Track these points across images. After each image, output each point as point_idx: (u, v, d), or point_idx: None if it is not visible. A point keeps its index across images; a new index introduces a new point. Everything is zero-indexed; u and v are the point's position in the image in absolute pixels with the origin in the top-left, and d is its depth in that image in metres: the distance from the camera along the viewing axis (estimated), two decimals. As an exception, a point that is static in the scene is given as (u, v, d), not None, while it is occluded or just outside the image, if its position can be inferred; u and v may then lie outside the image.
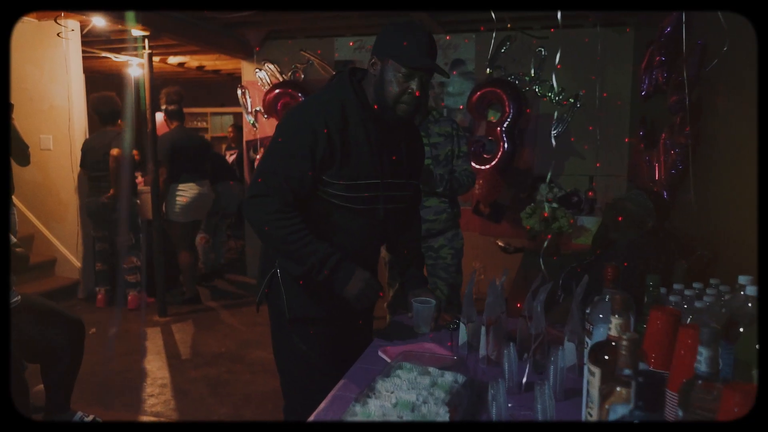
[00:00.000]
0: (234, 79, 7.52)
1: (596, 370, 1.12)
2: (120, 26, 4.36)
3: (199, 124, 9.25)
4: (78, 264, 5.08)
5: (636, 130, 4.06)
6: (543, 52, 4.75)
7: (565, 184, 4.49)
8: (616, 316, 1.12)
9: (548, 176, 3.55)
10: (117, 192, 4.54)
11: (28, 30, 4.76)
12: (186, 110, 5.05)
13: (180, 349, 4.01)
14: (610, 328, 1.13)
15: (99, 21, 4.25)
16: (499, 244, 4.71)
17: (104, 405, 3.15)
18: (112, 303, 4.86)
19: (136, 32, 4.37)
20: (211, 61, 7.01)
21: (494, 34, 3.88)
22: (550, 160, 4.98)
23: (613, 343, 1.12)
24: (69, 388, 2.76)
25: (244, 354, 3.89)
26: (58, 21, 4.41)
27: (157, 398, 3.25)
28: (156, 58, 5.07)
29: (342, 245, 1.71)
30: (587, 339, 1.36)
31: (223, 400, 3.23)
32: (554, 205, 3.30)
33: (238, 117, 8.44)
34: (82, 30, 4.75)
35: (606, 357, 1.12)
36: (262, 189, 1.65)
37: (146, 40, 4.46)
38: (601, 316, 1.33)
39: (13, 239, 2.73)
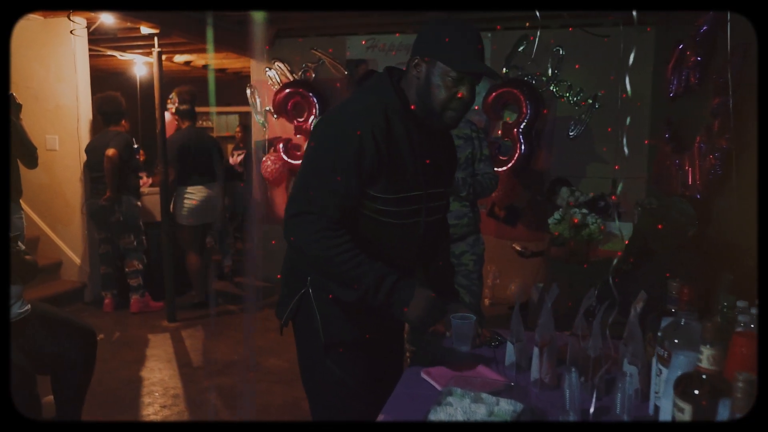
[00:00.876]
0: (240, 78, 7.40)
1: (686, 407, 1.01)
2: (129, 24, 4.25)
3: (203, 123, 9.13)
4: (84, 267, 4.97)
5: (659, 131, 3.94)
6: (561, 52, 4.65)
7: (584, 188, 4.38)
8: (708, 345, 1.01)
9: (619, 187, 3.44)
10: (113, 193, 4.43)
11: (33, 28, 4.64)
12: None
13: (191, 357, 3.90)
14: (700, 359, 1.02)
15: (108, 18, 4.14)
16: (516, 248, 4.60)
17: (116, 416, 3.04)
18: (119, 307, 4.74)
19: (146, 30, 4.26)
20: (217, 60, 6.88)
21: (538, 32, 3.76)
22: (567, 161, 4.88)
23: (704, 376, 1.02)
24: (80, 400, 2.65)
25: (259, 362, 3.77)
26: (71, 18, 4.30)
27: (170, 409, 3.14)
28: (163, 57, 4.95)
29: (383, 263, 1.54)
30: (660, 366, 1.25)
31: (239, 412, 3.12)
32: (584, 210, 3.18)
33: (243, 116, 8.32)
34: (88, 28, 4.64)
35: (696, 392, 1.02)
36: (305, 206, 1.48)
37: (156, 38, 4.35)
38: (676, 341, 1.22)
39: (22, 246, 2.61)
